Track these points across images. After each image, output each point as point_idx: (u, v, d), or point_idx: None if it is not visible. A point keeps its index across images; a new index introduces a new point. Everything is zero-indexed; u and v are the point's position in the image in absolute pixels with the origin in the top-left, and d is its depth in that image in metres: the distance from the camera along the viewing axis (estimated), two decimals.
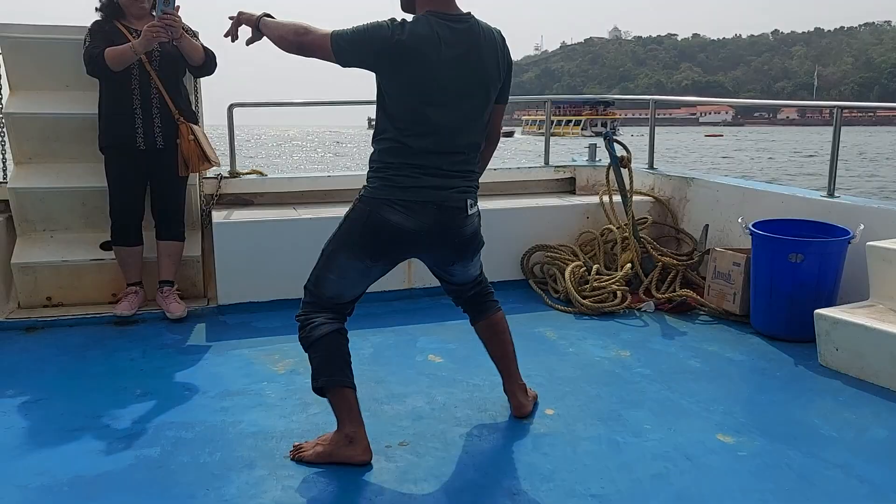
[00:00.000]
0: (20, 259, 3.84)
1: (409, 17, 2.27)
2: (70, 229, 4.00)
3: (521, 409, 2.71)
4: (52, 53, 3.92)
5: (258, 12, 2.40)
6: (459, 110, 2.31)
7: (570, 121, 78.06)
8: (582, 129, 72.17)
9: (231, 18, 2.48)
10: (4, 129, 3.99)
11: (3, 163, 4.12)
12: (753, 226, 3.65)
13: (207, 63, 3.77)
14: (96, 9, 3.70)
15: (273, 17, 2.39)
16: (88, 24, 3.66)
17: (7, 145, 4.04)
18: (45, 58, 3.94)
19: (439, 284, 4.07)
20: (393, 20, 2.23)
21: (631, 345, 3.49)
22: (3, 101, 3.96)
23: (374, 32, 2.20)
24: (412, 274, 4.17)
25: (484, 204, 4.51)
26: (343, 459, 2.32)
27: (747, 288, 3.70)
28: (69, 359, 3.30)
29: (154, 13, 3.45)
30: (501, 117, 2.59)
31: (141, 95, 3.63)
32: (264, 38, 2.39)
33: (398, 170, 2.30)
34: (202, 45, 3.74)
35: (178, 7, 3.49)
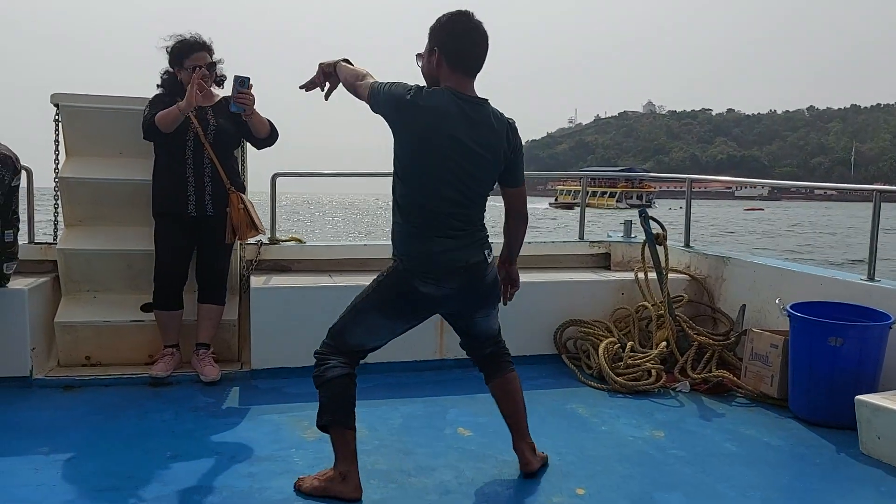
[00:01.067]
0: (63, 318, 3.95)
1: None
2: (113, 290, 4.11)
3: (529, 467, 2.80)
4: (107, 122, 4.10)
5: (336, 58, 2.72)
6: (460, 183, 2.53)
7: (605, 192, 78.00)
8: (617, 201, 71.87)
9: (317, 79, 2.77)
10: (58, 192, 4.16)
11: (55, 224, 4.27)
12: (792, 307, 3.60)
13: (271, 136, 3.92)
14: (158, 85, 3.89)
15: (351, 63, 2.72)
16: (147, 95, 3.85)
17: (60, 208, 4.20)
18: (100, 125, 4.12)
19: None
20: (418, 85, 2.51)
21: (665, 425, 3.43)
22: (59, 166, 4.15)
23: (399, 88, 2.49)
24: (444, 345, 4.17)
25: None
26: (335, 494, 2.53)
27: (785, 371, 3.63)
28: (103, 418, 3.34)
29: (230, 94, 3.64)
30: (523, 198, 2.84)
31: (194, 165, 3.77)
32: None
33: (404, 236, 2.59)
34: (267, 119, 3.90)
35: (252, 86, 3.66)
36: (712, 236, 31.44)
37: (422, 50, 2.62)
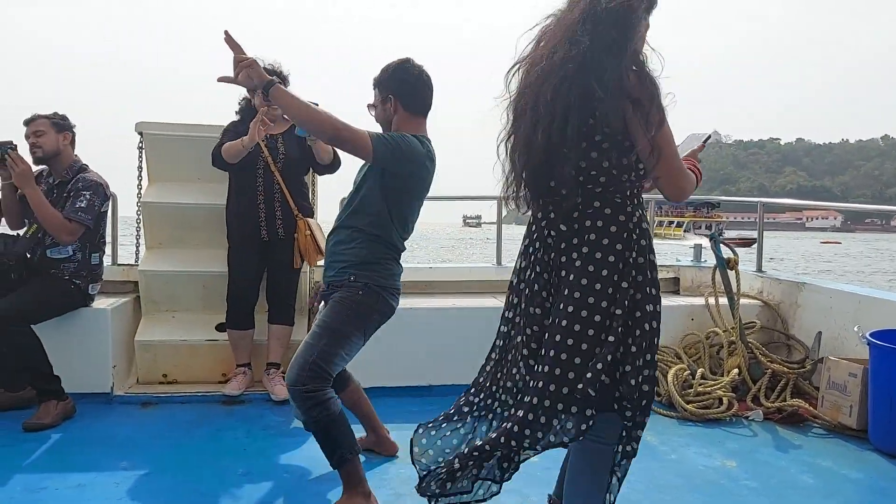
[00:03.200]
0: (143, 337, 4.11)
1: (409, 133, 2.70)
2: (190, 310, 4.26)
3: (393, 448, 3.20)
4: (186, 149, 4.29)
5: (267, 77, 2.35)
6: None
7: (672, 221, 76.38)
8: (685, 231, 70.11)
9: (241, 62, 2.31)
10: (141, 216, 4.36)
11: (137, 247, 4.47)
12: (872, 335, 3.47)
13: (334, 163, 4.03)
14: (236, 112, 4.05)
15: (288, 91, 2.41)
16: (224, 123, 4.02)
17: (142, 231, 4.40)
18: (180, 152, 4.32)
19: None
20: (417, 138, 2.66)
21: (737, 455, 3.33)
22: (142, 191, 4.35)
23: (407, 143, 2.61)
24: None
25: None
26: None
27: (865, 401, 3.49)
28: (179, 434, 3.44)
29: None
30: None
31: (265, 191, 3.90)
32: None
33: (390, 260, 2.75)
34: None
35: (318, 106, 3.77)
36: (786, 268, 30.38)
37: (371, 101, 2.79)
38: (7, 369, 3.68)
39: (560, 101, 1.86)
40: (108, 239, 4.26)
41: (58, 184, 3.77)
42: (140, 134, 4.31)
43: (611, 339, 1.88)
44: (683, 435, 3.59)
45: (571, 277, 1.92)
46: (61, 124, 3.76)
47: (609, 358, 1.87)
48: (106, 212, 3.88)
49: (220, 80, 2.35)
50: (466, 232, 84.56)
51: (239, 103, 4.04)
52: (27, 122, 3.71)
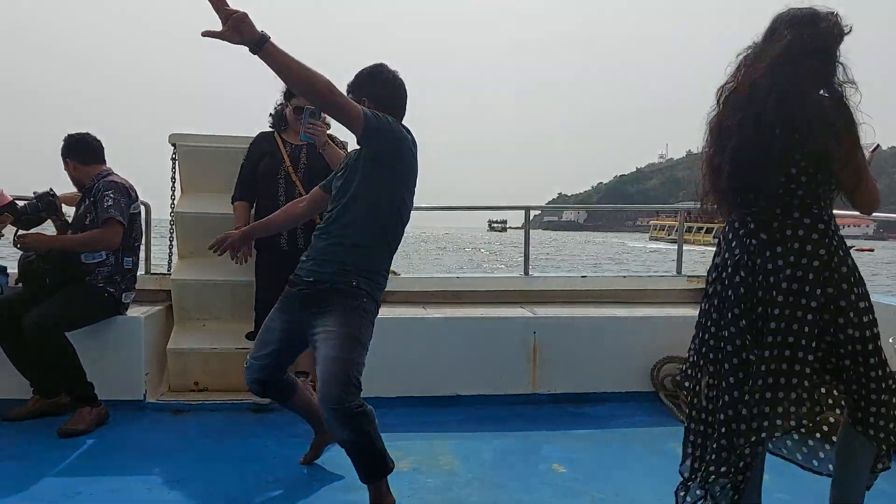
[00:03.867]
0: (175, 345, 4.17)
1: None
2: (221, 319, 4.31)
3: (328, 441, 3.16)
4: (218, 160, 4.35)
5: (261, 30, 2.13)
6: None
7: (702, 228, 75.37)
8: (713, 237, 69.18)
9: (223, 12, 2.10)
10: (174, 226, 4.43)
11: (170, 256, 4.54)
12: None
13: None
14: (270, 114, 4.09)
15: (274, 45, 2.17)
16: (252, 135, 4.08)
17: (174, 240, 4.47)
18: (212, 164, 4.38)
19: (565, 391, 4.06)
20: (401, 125, 2.63)
21: (770, 468, 3.28)
22: (176, 201, 4.43)
23: (396, 125, 2.58)
24: (537, 378, 4.16)
25: (612, 311, 4.53)
26: None
27: None
28: (210, 442, 3.49)
29: (300, 123, 3.78)
30: None
31: (286, 200, 3.93)
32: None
33: (386, 271, 2.77)
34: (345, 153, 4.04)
35: (325, 118, 3.81)
36: None
37: None
38: (42, 375, 3.76)
39: (766, 121, 2.08)
40: (142, 247, 4.34)
41: (84, 190, 3.91)
42: (173, 145, 4.39)
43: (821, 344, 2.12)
44: None
45: (783, 285, 2.10)
46: (63, 154, 3.91)
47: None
48: (137, 214, 3.96)
49: (204, 34, 2.11)
50: (492, 237, 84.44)
51: (271, 114, 4.09)
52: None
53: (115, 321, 3.90)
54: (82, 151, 3.91)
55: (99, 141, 3.96)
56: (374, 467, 2.57)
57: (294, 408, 3.05)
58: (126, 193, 3.85)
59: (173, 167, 4.43)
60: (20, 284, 3.84)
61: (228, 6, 2.09)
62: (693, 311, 4.59)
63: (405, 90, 2.79)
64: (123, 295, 3.89)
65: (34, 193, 3.86)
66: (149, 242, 4.68)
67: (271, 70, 2.16)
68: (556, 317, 4.35)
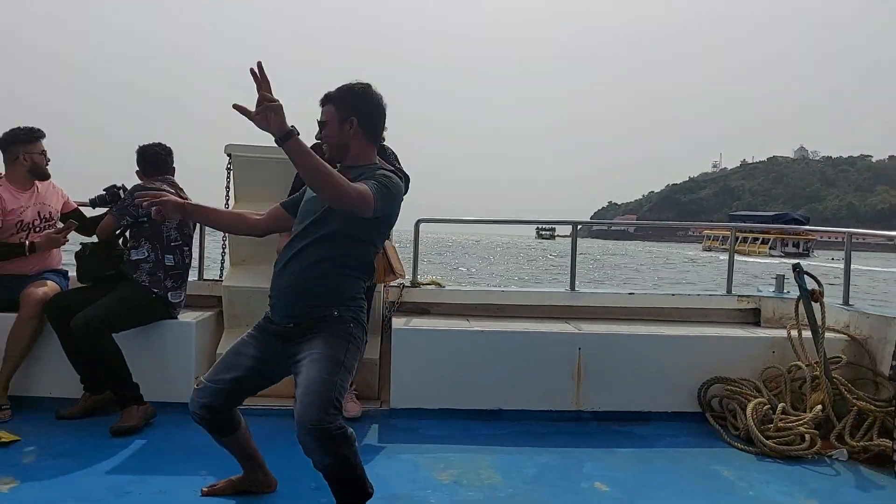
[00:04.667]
0: (225, 350, 4.24)
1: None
2: None
3: (274, 485, 3.02)
4: (270, 171, 4.43)
5: (291, 125, 2.16)
6: None
7: (757, 238, 73.22)
8: (770, 248, 66.96)
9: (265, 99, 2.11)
10: (227, 235, 4.53)
11: (222, 263, 4.65)
12: None
13: None
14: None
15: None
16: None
17: (227, 248, 4.57)
18: (264, 174, 4.47)
19: (609, 408, 4.02)
20: (396, 174, 2.56)
21: (820, 495, 3.20)
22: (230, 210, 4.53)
23: (399, 185, 2.53)
24: (580, 395, 4.12)
25: (660, 329, 4.46)
26: None
27: None
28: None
29: None
30: None
31: None
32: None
33: (363, 296, 2.65)
34: (397, 166, 4.07)
35: None
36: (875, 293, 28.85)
37: (320, 117, 2.60)
38: (90, 371, 3.89)
39: None
40: (196, 255, 4.45)
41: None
42: (229, 155, 4.49)
43: None
44: (763, 471, 3.47)
45: None
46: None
47: None
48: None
49: (235, 107, 2.15)
50: (540, 244, 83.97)
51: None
52: None
53: (167, 325, 4.00)
54: (144, 164, 4.14)
55: (163, 153, 4.15)
56: (352, 493, 2.47)
57: (232, 446, 2.86)
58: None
59: (228, 176, 4.54)
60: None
61: (270, 93, 2.12)
62: (742, 332, 4.53)
63: (385, 118, 2.69)
64: (170, 294, 3.99)
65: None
66: (202, 249, 4.79)
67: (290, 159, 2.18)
68: (601, 333, 4.31)
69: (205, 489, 2.96)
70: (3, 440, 3.39)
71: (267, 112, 2.10)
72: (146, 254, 3.95)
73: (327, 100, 2.58)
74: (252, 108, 2.13)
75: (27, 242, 4.04)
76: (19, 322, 3.88)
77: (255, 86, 2.12)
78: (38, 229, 4.16)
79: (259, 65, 2.12)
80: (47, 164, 4.17)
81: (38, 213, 4.18)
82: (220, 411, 2.67)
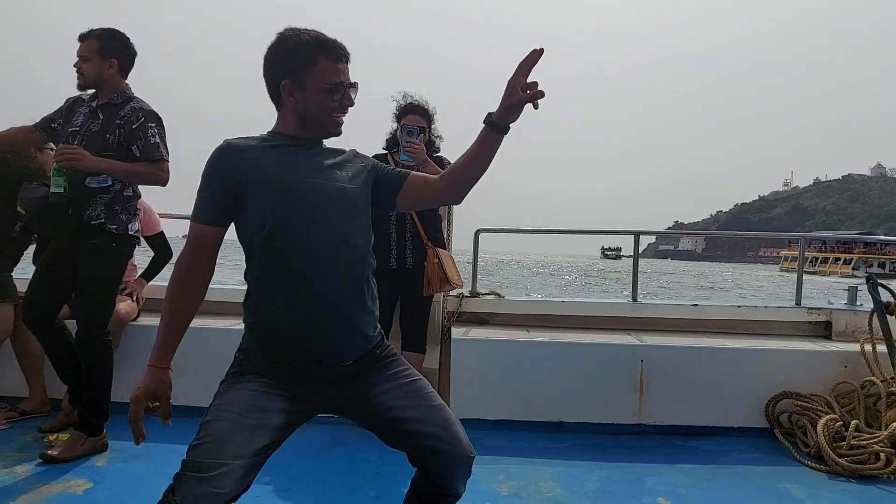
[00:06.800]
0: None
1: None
2: None
3: None
4: None
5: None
6: None
7: (839, 258, 70.26)
8: (853, 269, 64.06)
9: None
10: None
11: None
12: None
13: None
14: (387, 139, 4.21)
15: None
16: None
17: None
18: None
19: (673, 422, 3.93)
20: None
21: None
22: None
23: None
24: (643, 408, 4.04)
25: (725, 342, 4.35)
26: None
27: None
28: (315, 454, 3.60)
29: (400, 141, 3.88)
30: None
31: (396, 221, 4.04)
32: None
33: None
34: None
35: (422, 137, 3.89)
36: None
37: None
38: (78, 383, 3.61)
39: None
40: None
41: (104, 105, 3.41)
42: None
43: None
44: (834, 491, 3.33)
45: None
46: (108, 48, 3.37)
47: None
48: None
49: None
50: (606, 264, 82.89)
51: (387, 138, 4.21)
52: (80, 39, 3.38)
53: (227, 333, 4.10)
54: (131, 58, 3.49)
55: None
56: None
57: None
58: (161, 122, 3.45)
59: None
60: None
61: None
62: (812, 346, 4.37)
63: None
64: (129, 227, 3.50)
65: None
66: None
67: None
68: (664, 345, 4.22)
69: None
70: None
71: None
72: (109, 182, 3.41)
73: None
74: None
75: None
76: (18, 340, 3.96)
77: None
78: None
79: None
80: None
81: None
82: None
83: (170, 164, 3.43)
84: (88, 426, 3.42)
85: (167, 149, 3.42)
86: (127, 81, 3.48)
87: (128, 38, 3.44)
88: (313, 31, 1.98)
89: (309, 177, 1.96)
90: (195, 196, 1.96)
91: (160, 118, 3.44)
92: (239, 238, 2.01)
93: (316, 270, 1.91)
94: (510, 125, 1.96)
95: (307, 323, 1.91)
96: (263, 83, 2.02)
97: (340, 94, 1.99)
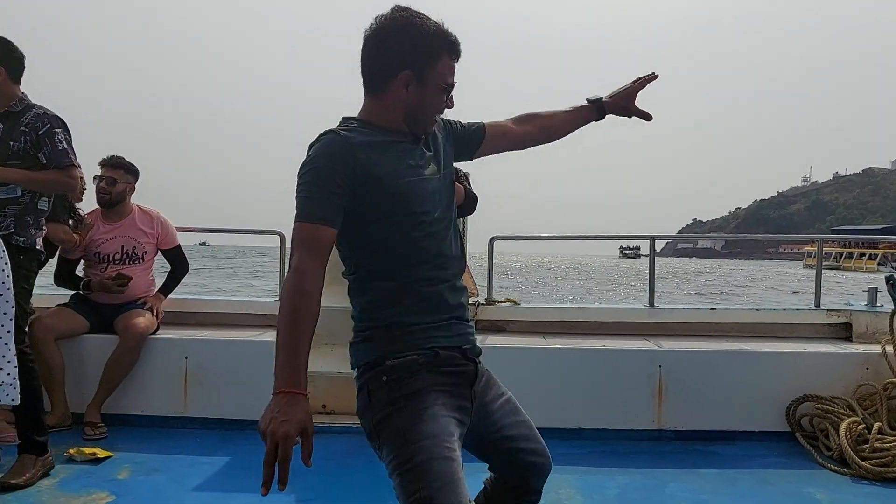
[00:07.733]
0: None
1: None
2: (348, 345, 4.48)
3: None
4: None
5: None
6: None
7: (864, 254, 69.11)
8: (879, 264, 62.92)
9: None
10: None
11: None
12: None
13: (466, 206, 4.04)
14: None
15: None
16: None
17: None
18: None
19: (692, 427, 3.90)
20: None
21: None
22: None
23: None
24: (662, 414, 4.02)
25: (744, 346, 4.33)
26: None
27: None
28: (335, 464, 3.61)
29: None
30: None
31: None
32: None
33: None
34: (467, 188, 4.08)
35: None
36: None
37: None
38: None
39: None
40: (276, 276, 4.61)
41: (4, 113, 3.29)
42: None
43: None
44: (859, 494, 3.30)
45: None
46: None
47: None
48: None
49: None
50: (624, 263, 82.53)
51: None
52: None
53: (248, 345, 4.13)
54: (18, 61, 3.32)
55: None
56: None
57: None
58: (69, 130, 3.34)
59: None
60: None
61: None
62: (833, 348, 4.33)
63: None
64: (36, 241, 3.36)
65: None
66: (283, 270, 4.95)
67: None
68: (683, 350, 4.20)
69: None
70: (98, 456, 3.55)
71: None
72: (18, 193, 3.26)
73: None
74: None
75: (85, 279, 4.18)
76: (121, 353, 3.99)
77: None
78: (123, 262, 4.25)
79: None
80: (101, 193, 4.18)
81: (122, 246, 4.26)
82: None
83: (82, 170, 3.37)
84: (37, 445, 3.25)
85: (75, 154, 3.31)
86: (23, 90, 3.33)
87: (11, 42, 3.28)
88: (433, 20, 1.79)
89: (419, 176, 1.81)
90: (301, 193, 1.74)
91: (65, 123, 3.32)
92: (345, 239, 1.84)
93: (432, 268, 1.84)
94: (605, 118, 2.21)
95: (436, 318, 1.84)
96: (356, 61, 1.82)
97: (448, 96, 1.85)
